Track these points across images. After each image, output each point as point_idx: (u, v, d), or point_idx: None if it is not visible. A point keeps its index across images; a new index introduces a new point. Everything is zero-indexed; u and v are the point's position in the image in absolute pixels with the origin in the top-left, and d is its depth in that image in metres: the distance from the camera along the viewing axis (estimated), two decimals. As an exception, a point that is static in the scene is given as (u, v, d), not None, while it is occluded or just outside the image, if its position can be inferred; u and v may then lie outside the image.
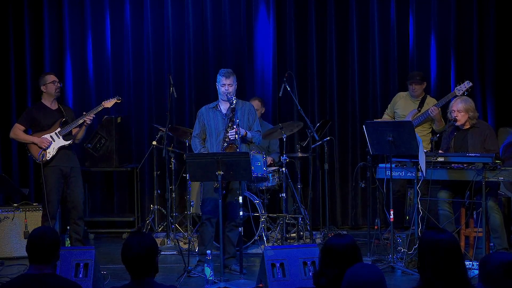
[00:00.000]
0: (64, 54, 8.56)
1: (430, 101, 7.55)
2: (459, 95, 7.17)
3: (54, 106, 7.09)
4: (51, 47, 8.53)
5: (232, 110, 6.26)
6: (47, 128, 6.99)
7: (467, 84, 7.19)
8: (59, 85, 7.09)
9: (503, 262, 2.87)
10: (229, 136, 6.21)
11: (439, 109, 7.30)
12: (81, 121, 6.97)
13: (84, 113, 7.07)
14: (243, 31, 8.63)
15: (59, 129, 6.98)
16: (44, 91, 7.05)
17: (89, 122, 7.02)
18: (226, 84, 6.34)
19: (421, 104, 7.55)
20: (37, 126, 7.01)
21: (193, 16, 8.58)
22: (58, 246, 3.63)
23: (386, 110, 7.85)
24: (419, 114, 7.45)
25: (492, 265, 2.89)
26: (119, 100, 7.16)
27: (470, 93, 7.17)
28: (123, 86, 8.65)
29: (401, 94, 7.80)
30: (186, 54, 8.63)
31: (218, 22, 8.62)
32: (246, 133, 6.31)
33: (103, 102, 7.11)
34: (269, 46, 8.62)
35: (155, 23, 8.61)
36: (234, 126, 6.19)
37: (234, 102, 6.27)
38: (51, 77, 7.07)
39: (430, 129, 7.52)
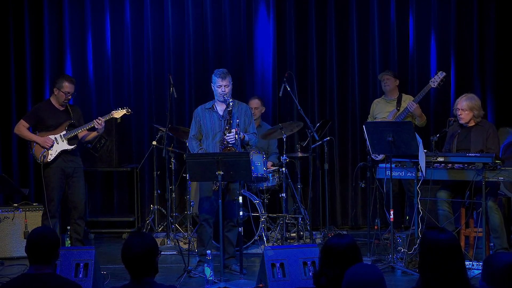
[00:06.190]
0: (64, 54, 8.55)
1: (407, 99, 7.57)
2: (434, 86, 7.22)
3: (61, 106, 7.02)
4: (51, 47, 8.53)
5: (229, 113, 6.18)
6: (52, 129, 6.94)
7: (440, 75, 7.19)
8: (70, 97, 6.97)
9: (508, 263, 2.87)
10: (228, 140, 6.14)
11: (417, 104, 7.31)
12: (91, 125, 6.91)
13: (100, 118, 6.95)
14: (243, 31, 8.62)
15: (64, 132, 6.94)
16: (55, 93, 6.97)
17: (98, 127, 6.90)
18: (222, 86, 6.25)
19: (398, 103, 7.57)
20: (42, 126, 6.96)
21: (193, 16, 8.59)
22: (57, 246, 3.63)
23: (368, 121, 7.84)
24: (398, 113, 7.46)
25: (497, 265, 2.89)
26: (128, 112, 7.09)
27: (470, 92, 7.14)
28: (123, 86, 8.65)
29: (376, 100, 7.87)
30: (186, 54, 8.63)
31: (218, 22, 8.62)
32: (244, 136, 6.27)
33: (112, 111, 7.03)
34: (269, 46, 8.62)
35: (155, 23, 8.61)
36: (233, 129, 6.14)
37: (231, 104, 6.19)
38: (68, 87, 6.89)
39: (414, 126, 7.53)
